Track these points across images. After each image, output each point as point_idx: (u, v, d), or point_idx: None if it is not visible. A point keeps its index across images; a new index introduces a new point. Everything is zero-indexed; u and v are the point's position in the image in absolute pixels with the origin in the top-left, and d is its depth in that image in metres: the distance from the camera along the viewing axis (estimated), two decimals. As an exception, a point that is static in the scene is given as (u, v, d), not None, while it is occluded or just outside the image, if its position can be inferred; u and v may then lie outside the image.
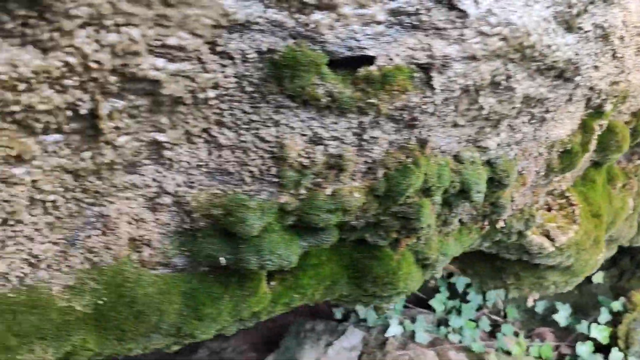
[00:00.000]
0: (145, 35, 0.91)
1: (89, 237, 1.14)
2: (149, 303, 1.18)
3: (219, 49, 1.02)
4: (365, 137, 1.17)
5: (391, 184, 1.28)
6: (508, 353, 3.17)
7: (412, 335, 2.83)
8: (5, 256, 1.04)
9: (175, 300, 1.22)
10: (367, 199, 1.28)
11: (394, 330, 2.78)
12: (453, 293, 3.21)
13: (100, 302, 1.14)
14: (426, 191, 1.36)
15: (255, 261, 1.21)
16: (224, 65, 1.05)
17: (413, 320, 2.98)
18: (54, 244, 1.10)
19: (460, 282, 3.07)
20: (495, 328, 3.36)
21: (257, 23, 1.02)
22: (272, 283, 1.39)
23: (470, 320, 3.14)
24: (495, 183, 1.53)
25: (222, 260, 1.22)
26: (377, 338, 2.74)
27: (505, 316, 3.41)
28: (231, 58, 1.04)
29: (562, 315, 3.29)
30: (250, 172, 1.17)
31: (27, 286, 1.09)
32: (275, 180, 1.17)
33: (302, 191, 1.23)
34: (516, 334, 3.28)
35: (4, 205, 0.97)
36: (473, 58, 1.15)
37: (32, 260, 1.08)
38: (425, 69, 1.14)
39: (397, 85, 1.11)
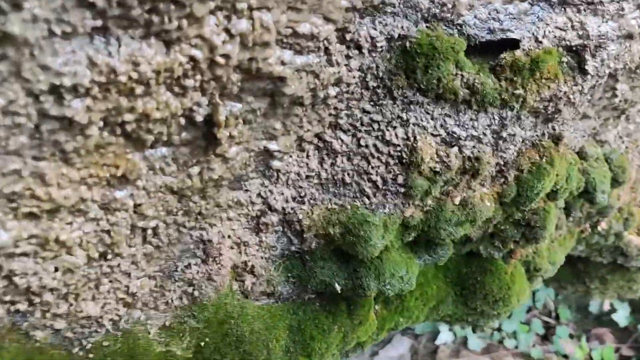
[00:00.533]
0: (278, 21, 0.74)
1: (188, 266, 0.96)
2: (256, 341, 1.00)
3: (348, 37, 0.85)
4: (503, 134, 1.00)
5: (523, 189, 1.11)
6: (566, 357, 3.00)
7: (464, 342, 2.66)
8: (99, 297, 0.86)
9: (282, 335, 1.05)
10: (495, 207, 1.11)
11: (445, 337, 2.60)
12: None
13: (202, 343, 0.96)
14: (553, 194, 1.19)
15: (374, 286, 1.04)
16: (349, 57, 0.88)
17: (463, 325, 2.81)
18: (150, 278, 0.93)
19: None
20: (548, 330, 3.19)
21: (392, 4, 0.85)
22: (376, 307, 1.22)
23: (522, 323, 2.97)
24: (611, 181, 1.37)
25: (337, 287, 1.04)
26: (427, 346, 2.56)
27: (557, 317, 3.24)
28: (359, 48, 0.87)
29: (622, 315, 3.12)
30: (372, 181, 0.99)
31: (123, 330, 0.91)
32: (402, 190, 1.00)
33: (430, 202, 1.06)
34: (571, 336, 3.11)
35: (103, 236, 0.80)
36: (629, 37, 0.98)
37: (128, 299, 0.90)
38: (576, 51, 0.97)
39: (547, 72, 0.94)
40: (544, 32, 0.94)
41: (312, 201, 1.01)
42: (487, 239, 1.25)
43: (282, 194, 0.99)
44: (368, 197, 1.00)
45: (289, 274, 1.05)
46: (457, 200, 1.07)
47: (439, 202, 1.06)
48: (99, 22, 0.61)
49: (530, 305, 3.19)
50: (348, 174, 1.00)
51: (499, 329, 2.97)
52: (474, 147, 0.98)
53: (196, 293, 0.98)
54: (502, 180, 1.08)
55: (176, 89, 0.71)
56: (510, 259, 1.31)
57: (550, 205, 1.19)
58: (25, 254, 0.76)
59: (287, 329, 1.05)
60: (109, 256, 0.82)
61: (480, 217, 1.07)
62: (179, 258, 0.95)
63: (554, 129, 1.09)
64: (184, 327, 0.96)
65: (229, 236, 0.99)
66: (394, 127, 0.96)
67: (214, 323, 0.98)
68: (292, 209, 1.01)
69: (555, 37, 0.95)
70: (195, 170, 0.84)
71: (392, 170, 0.98)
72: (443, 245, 1.14)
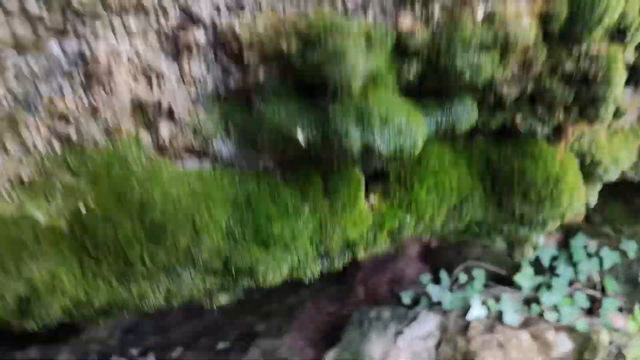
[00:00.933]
0: None
1: (59, 92, 0.61)
2: (173, 213, 0.64)
3: None
4: None
5: (577, 7, 0.73)
6: (615, 331, 2.57)
7: (498, 317, 2.25)
8: None
9: (219, 211, 0.68)
10: (535, 37, 0.73)
11: (477, 312, 2.20)
12: (538, 268, 2.64)
13: (83, 207, 0.61)
14: (620, 33, 0.81)
15: (356, 135, 0.67)
16: None
17: (497, 300, 2.40)
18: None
19: (546, 254, 2.50)
20: (594, 304, 2.75)
21: None
22: (373, 198, 0.85)
23: (564, 297, 2.56)
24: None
25: (300, 135, 0.67)
26: (457, 322, 2.16)
27: (603, 290, 2.80)
28: None
29: (676, 285, 2.68)
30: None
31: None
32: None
33: (437, 11, 0.69)
34: (620, 310, 2.67)
35: None
36: None
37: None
38: None
39: None
40: None
41: (255, 7, 0.65)
42: (526, 104, 0.87)
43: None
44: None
45: (229, 122, 0.69)
46: (479, 13, 0.69)
47: (451, 15, 0.69)
48: None
49: (572, 278, 2.76)
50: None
51: (538, 302, 2.56)
52: None
53: (73, 135, 0.62)
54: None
55: None
56: (559, 140, 0.93)
57: (615, 49, 0.81)
58: None
59: (230, 204, 0.68)
60: None
61: (514, 41, 0.69)
62: (43, 79, 0.60)
63: None
64: (53, 183, 0.60)
65: (128, 58, 0.63)
66: None
67: (103, 180, 0.62)
68: (225, 19, 0.65)
69: None
70: None
71: None
72: (461, 97, 0.77)
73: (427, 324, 2.20)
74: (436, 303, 2.33)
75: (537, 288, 2.62)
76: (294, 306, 3.17)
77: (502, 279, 2.59)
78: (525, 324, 2.12)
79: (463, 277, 2.33)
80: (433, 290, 2.31)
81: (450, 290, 2.36)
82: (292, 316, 3.05)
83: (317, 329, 2.92)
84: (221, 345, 2.93)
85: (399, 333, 2.22)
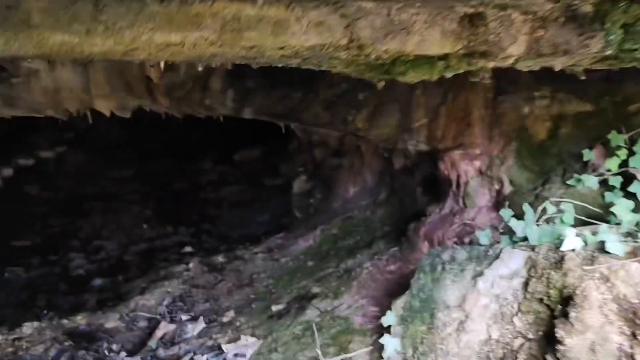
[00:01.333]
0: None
1: None
2: None
3: None
4: None
5: None
6: None
7: (600, 247, 1.93)
8: None
9: None
10: None
11: (573, 243, 1.89)
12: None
13: None
14: None
15: None
16: None
17: (593, 233, 2.07)
18: None
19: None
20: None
21: None
22: None
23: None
24: None
25: None
26: (549, 256, 1.86)
27: None
28: None
29: None
30: None
31: None
32: None
33: None
34: None
35: None
36: None
37: None
38: None
39: None
40: None
41: None
42: None
43: None
44: None
45: None
46: None
47: None
48: None
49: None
50: None
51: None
52: None
53: None
54: None
55: None
56: None
57: None
58: None
59: None
60: None
61: None
62: None
63: None
64: None
65: None
66: None
67: None
68: None
69: None
70: None
71: None
72: None
73: (512, 261, 1.91)
74: (521, 239, 2.03)
75: (637, 224, 2.25)
76: (351, 269, 2.94)
77: (593, 218, 2.24)
78: (634, 254, 1.79)
79: (551, 209, 2.02)
80: (517, 225, 2.02)
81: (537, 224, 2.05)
82: (349, 278, 2.82)
83: (378, 287, 2.68)
84: (275, 308, 2.73)
85: (478, 275, 1.94)
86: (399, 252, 2.90)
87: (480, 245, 2.07)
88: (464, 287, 1.97)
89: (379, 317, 2.39)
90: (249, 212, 5.49)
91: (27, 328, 2.78)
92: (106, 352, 2.54)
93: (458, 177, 2.59)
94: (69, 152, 6.54)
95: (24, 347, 2.62)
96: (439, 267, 2.04)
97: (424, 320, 2.02)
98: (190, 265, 3.51)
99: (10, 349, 2.62)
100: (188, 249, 4.41)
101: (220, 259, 3.70)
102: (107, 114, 2.88)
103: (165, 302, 3.01)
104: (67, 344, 2.62)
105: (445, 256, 2.04)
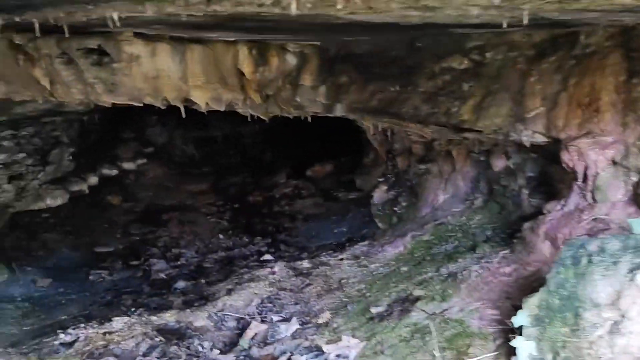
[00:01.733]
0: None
1: None
2: None
3: None
4: None
5: None
6: None
7: None
8: None
9: None
10: None
11: None
12: None
13: None
14: None
15: None
16: None
17: None
18: None
19: None
20: None
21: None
22: None
23: None
24: None
25: None
26: None
27: None
28: None
29: None
30: None
31: None
32: None
33: None
34: None
35: None
36: None
37: None
38: None
39: None
40: None
41: None
42: None
43: None
44: None
45: None
46: None
47: None
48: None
49: None
50: None
51: None
52: None
53: None
54: None
55: None
56: None
57: None
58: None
59: None
60: None
61: None
62: None
63: None
64: None
65: None
66: None
67: None
68: None
69: None
70: None
71: None
72: None
73: None
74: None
75: None
76: (455, 272, 2.69)
77: None
78: None
79: None
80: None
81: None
82: (455, 281, 2.56)
83: (493, 290, 2.40)
84: (374, 310, 2.51)
85: (637, 268, 1.64)
86: (511, 254, 2.61)
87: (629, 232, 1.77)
88: (618, 282, 1.67)
89: (500, 321, 2.12)
90: (325, 224, 5.33)
91: (117, 323, 2.71)
92: (199, 348, 2.40)
93: (585, 168, 2.29)
94: (149, 164, 6.68)
95: (114, 340, 2.53)
96: (584, 260, 1.76)
97: (566, 321, 1.73)
98: (276, 268, 3.36)
99: (101, 342, 2.53)
100: (268, 256, 4.28)
101: (305, 264, 3.53)
102: (203, 105, 2.82)
103: (254, 303, 2.85)
104: (157, 339, 2.51)
105: (592, 247, 1.75)
